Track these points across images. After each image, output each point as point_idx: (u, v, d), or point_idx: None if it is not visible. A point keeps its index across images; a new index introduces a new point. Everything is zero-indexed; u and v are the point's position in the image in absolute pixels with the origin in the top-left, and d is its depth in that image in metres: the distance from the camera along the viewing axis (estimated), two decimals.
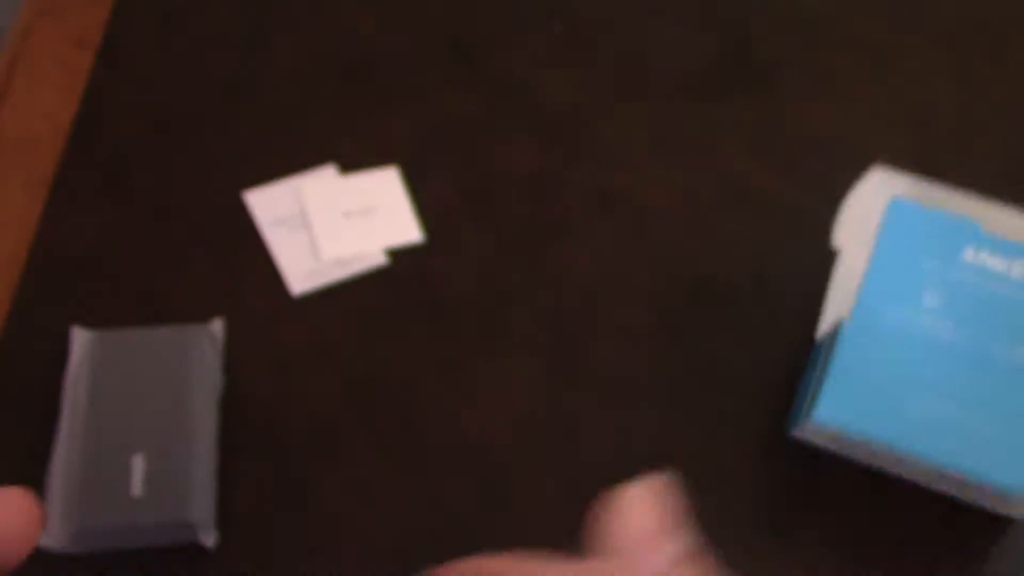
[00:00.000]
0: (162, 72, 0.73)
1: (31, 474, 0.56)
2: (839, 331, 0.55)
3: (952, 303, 0.55)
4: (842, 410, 0.54)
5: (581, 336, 0.64)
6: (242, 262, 0.65)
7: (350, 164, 0.70)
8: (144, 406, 0.55)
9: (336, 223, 0.67)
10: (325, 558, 0.55)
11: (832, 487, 0.59)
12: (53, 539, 0.52)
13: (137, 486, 0.53)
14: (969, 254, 0.56)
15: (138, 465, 0.54)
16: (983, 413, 0.53)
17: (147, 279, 0.64)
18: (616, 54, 0.77)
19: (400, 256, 0.66)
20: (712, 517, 0.58)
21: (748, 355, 0.63)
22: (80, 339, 0.58)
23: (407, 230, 0.67)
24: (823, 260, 0.67)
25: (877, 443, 0.54)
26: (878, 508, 0.59)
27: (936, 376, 0.54)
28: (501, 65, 0.76)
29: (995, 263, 0.55)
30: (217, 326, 0.60)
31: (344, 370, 0.61)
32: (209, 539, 0.54)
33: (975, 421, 0.53)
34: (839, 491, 0.59)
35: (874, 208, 0.61)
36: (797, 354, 0.64)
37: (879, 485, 0.59)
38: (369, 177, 0.69)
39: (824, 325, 0.59)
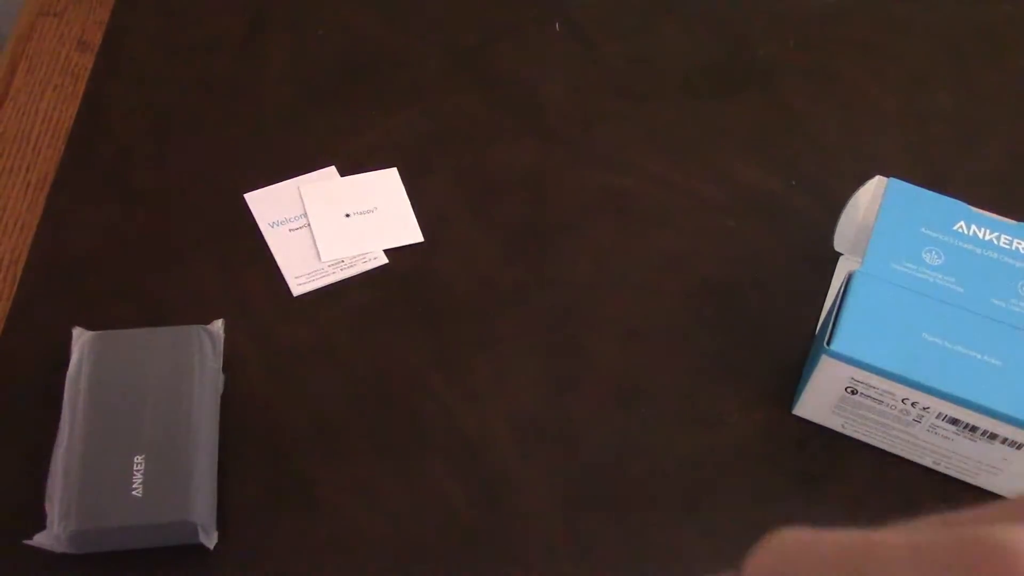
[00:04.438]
0: (162, 72, 0.73)
1: (31, 474, 0.56)
2: (850, 279, 0.58)
3: (951, 263, 0.59)
4: (857, 344, 0.56)
5: (581, 336, 0.64)
6: (242, 262, 0.65)
7: (350, 164, 0.70)
8: (144, 406, 0.55)
9: (336, 223, 0.67)
10: (325, 558, 0.55)
11: (832, 478, 0.59)
12: (53, 540, 0.52)
13: (137, 486, 0.53)
14: (961, 226, 0.61)
15: (138, 465, 0.53)
16: (990, 353, 0.56)
17: (147, 279, 0.64)
18: (616, 54, 0.77)
19: (400, 256, 0.66)
20: (713, 515, 0.58)
21: (748, 355, 0.63)
22: (80, 339, 0.58)
23: (407, 230, 0.67)
24: (823, 260, 0.67)
25: (889, 378, 0.55)
26: (878, 491, 0.59)
27: (944, 320, 0.57)
28: (501, 65, 0.75)
29: (984, 233, 0.60)
30: (217, 326, 0.60)
31: (344, 370, 0.61)
32: (209, 539, 0.54)
33: (983, 359, 0.56)
34: (838, 481, 0.59)
35: (874, 212, 0.62)
36: (797, 355, 0.64)
37: (878, 469, 0.59)
38: (369, 177, 0.69)
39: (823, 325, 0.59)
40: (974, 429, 0.56)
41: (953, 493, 0.59)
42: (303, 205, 0.68)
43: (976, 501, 0.59)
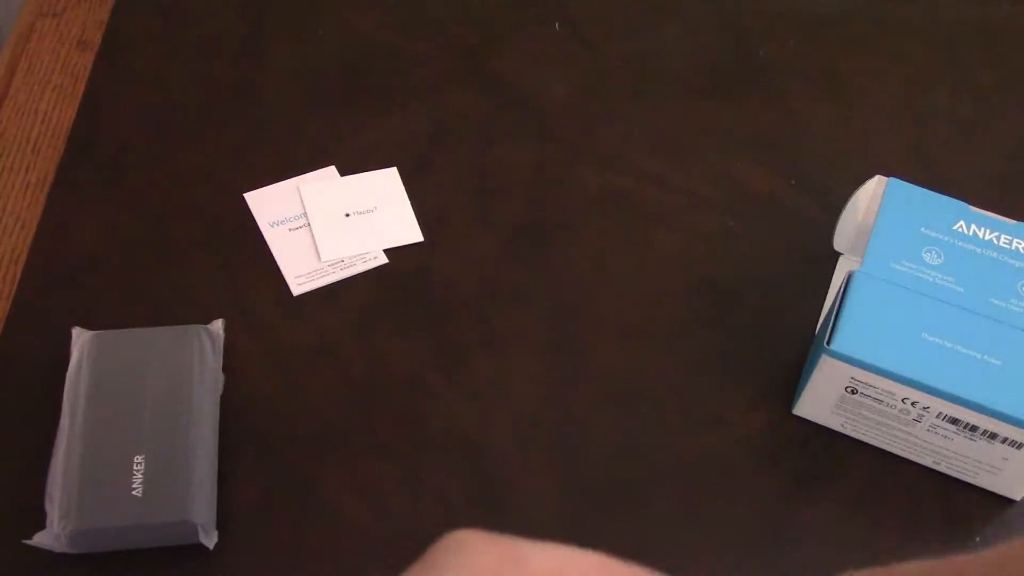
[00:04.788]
0: (162, 72, 0.73)
1: (31, 474, 0.56)
2: (850, 279, 0.58)
3: (951, 262, 0.59)
4: (857, 343, 0.56)
5: (581, 336, 0.64)
6: (242, 262, 0.65)
7: (350, 164, 0.70)
8: (144, 406, 0.55)
9: (336, 223, 0.67)
10: (325, 558, 0.55)
11: (832, 478, 0.59)
12: (53, 539, 0.52)
13: (137, 486, 0.53)
14: (960, 226, 0.61)
15: (138, 465, 0.53)
16: (990, 352, 0.56)
17: (147, 279, 0.64)
18: (616, 54, 0.77)
19: (400, 256, 0.66)
20: (713, 515, 0.58)
21: (748, 355, 0.63)
22: (80, 339, 0.58)
23: (407, 230, 0.67)
24: (823, 260, 0.67)
25: (889, 377, 0.55)
26: (878, 491, 0.59)
27: (943, 319, 0.57)
28: (501, 65, 0.75)
29: (983, 233, 0.61)
30: (217, 326, 0.60)
31: (344, 370, 0.61)
32: (209, 539, 0.54)
33: (983, 359, 0.56)
34: (839, 481, 0.59)
35: (873, 212, 0.62)
36: (797, 355, 0.64)
37: (878, 469, 0.59)
38: (369, 177, 0.69)
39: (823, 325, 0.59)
40: (974, 429, 0.56)
41: (953, 493, 0.59)
42: (303, 205, 0.68)
43: (976, 501, 0.59)
